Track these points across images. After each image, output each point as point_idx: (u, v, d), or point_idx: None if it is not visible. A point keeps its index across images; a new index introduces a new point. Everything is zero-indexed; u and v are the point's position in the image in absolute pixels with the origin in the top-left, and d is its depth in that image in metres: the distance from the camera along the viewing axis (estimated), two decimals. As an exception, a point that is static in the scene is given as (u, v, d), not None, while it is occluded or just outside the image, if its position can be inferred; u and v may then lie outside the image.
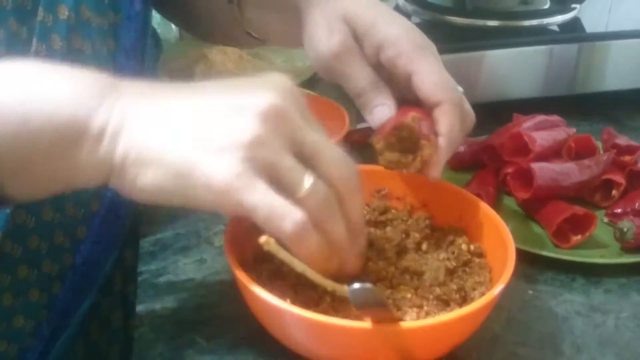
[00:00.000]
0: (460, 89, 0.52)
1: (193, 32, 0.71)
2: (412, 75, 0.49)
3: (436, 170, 0.49)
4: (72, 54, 0.50)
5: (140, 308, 0.53)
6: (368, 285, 0.37)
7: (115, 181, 0.40)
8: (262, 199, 0.37)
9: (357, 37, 0.51)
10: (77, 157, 0.39)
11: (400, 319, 0.43)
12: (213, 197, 0.37)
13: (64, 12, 0.49)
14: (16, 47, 0.48)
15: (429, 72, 0.50)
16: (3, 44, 0.47)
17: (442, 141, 0.49)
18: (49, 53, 0.49)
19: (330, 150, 0.40)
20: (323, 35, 0.52)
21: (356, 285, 0.37)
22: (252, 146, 0.37)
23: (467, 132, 0.53)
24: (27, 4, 0.48)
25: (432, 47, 0.52)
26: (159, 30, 0.66)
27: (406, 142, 0.49)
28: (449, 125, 0.49)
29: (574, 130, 0.70)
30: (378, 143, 0.50)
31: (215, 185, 0.37)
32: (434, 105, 0.49)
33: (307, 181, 0.38)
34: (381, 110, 0.50)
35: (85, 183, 0.41)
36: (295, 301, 0.46)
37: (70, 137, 0.39)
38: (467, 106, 0.53)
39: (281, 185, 0.38)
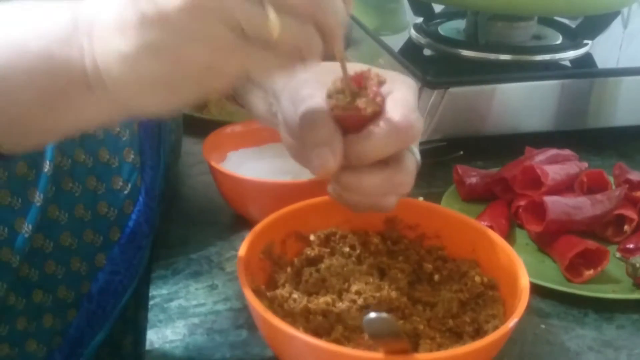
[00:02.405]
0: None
1: None
2: (390, 93, 0.44)
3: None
4: None
5: (150, 333, 0.53)
6: (384, 314, 0.37)
7: (99, 89, 0.38)
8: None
9: None
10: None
11: (414, 351, 0.43)
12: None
13: None
14: None
15: (407, 93, 0.45)
16: None
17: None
18: None
19: None
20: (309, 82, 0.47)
21: (372, 315, 0.37)
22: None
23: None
24: None
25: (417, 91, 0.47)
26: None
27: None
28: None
29: (586, 164, 0.70)
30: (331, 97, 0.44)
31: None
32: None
33: (273, 22, 0.34)
34: (323, 154, 0.42)
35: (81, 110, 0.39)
36: (307, 329, 0.46)
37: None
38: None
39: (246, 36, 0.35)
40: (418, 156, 0.48)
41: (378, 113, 0.43)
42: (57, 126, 0.41)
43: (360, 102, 0.43)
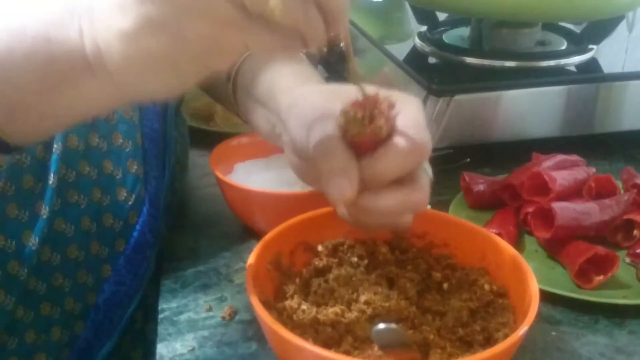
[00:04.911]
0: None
1: (201, 88, 0.72)
2: (398, 112, 0.44)
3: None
4: None
5: (160, 346, 0.53)
6: (393, 325, 0.37)
7: (101, 71, 0.37)
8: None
9: None
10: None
11: (424, 360, 0.43)
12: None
13: None
14: None
15: (415, 112, 0.45)
16: None
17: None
18: None
19: None
20: (315, 103, 0.47)
21: (381, 326, 0.37)
22: None
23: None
24: None
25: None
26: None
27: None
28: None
29: (593, 169, 0.70)
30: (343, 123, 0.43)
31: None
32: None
33: (274, 1, 0.33)
34: (339, 184, 0.42)
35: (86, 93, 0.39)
36: (316, 340, 0.46)
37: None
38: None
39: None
40: (430, 172, 0.48)
41: (390, 134, 0.43)
42: (59, 111, 0.40)
43: (374, 126, 0.42)
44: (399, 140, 0.42)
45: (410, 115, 0.43)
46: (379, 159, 0.42)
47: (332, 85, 0.48)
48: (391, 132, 0.43)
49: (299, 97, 0.48)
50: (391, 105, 0.44)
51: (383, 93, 0.44)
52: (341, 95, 0.44)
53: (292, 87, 0.51)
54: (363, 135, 0.42)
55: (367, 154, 0.43)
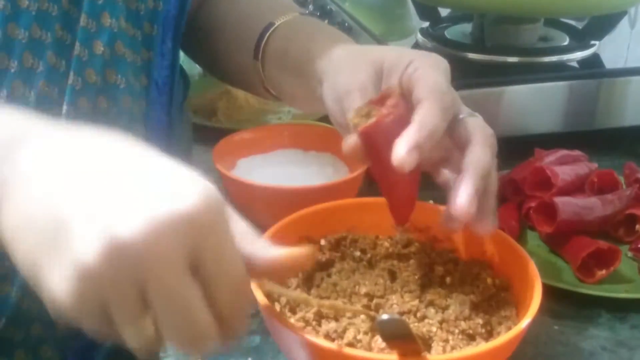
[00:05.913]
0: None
1: (215, 74, 0.72)
2: (419, 79, 0.48)
3: (401, 146, 0.44)
4: (107, 89, 0.52)
5: (164, 339, 0.53)
6: (396, 316, 0.37)
7: None
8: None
9: (383, 73, 0.50)
10: None
11: (427, 352, 0.43)
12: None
13: (99, 48, 0.51)
14: (54, 79, 0.49)
15: (432, 75, 0.49)
16: (42, 76, 0.48)
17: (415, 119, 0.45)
18: (85, 87, 0.50)
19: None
20: (347, 74, 0.50)
21: (384, 316, 0.37)
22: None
23: (444, 122, 0.48)
24: (65, 39, 0.50)
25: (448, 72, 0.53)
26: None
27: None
28: (426, 110, 0.46)
29: (596, 165, 0.70)
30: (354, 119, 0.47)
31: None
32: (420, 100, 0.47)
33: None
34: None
35: None
36: (319, 333, 0.46)
37: None
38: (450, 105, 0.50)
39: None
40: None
41: (403, 116, 0.46)
42: None
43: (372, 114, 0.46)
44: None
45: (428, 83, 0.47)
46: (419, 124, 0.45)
47: (360, 47, 0.53)
48: (399, 115, 0.46)
49: (332, 61, 0.52)
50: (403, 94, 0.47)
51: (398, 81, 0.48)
52: (368, 56, 0.49)
53: (327, 47, 0.53)
54: (363, 124, 0.46)
55: (389, 144, 0.45)
